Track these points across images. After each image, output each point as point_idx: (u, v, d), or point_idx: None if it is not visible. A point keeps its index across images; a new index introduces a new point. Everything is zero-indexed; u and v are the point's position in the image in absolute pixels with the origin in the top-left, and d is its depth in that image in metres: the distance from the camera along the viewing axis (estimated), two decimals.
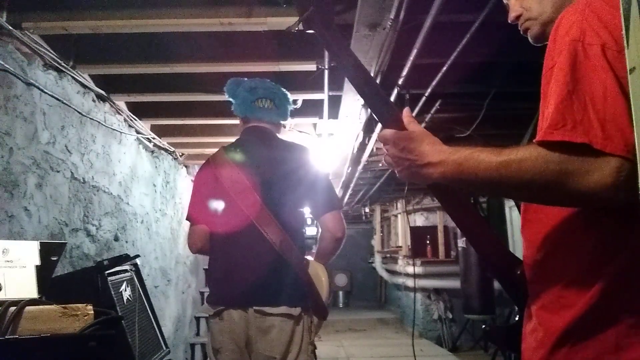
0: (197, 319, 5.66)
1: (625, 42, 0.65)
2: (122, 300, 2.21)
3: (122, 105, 3.45)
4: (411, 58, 2.54)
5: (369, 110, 3.30)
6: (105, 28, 2.33)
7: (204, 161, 2.21)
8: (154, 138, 4.04)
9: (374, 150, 4.33)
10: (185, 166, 5.25)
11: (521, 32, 1.08)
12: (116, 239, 3.39)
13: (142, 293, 2.49)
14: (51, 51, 2.57)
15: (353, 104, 3.19)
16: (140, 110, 3.67)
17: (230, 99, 2.14)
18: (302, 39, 2.62)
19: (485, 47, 2.62)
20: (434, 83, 2.91)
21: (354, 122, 3.56)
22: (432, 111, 3.43)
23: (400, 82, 2.82)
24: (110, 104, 3.28)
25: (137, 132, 3.75)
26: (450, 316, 7.74)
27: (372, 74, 2.54)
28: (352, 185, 6.35)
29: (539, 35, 1.03)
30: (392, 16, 2.06)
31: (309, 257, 2.02)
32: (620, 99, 0.76)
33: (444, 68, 2.70)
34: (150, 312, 2.53)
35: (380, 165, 5.29)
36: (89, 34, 2.53)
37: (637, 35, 0.63)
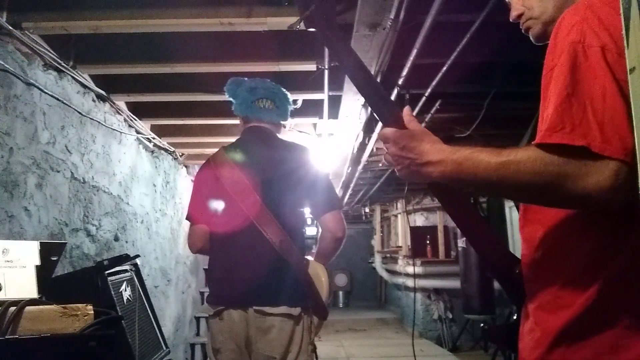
0: (197, 319, 5.66)
1: (625, 42, 0.65)
2: (122, 300, 2.21)
3: (122, 105, 3.45)
4: (411, 58, 2.54)
5: (369, 110, 3.30)
6: (105, 28, 2.33)
7: (204, 161, 2.21)
8: (154, 138, 4.05)
9: (374, 150, 4.34)
10: (185, 166, 5.25)
11: (523, 31, 1.08)
12: (116, 239, 3.39)
13: (142, 293, 2.49)
14: (51, 51, 2.57)
15: (353, 104, 3.19)
16: (140, 110, 3.67)
17: (231, 99, 2.14)
18: (302, 39, 2.63)
19: (485, 47, 2.62)
20: (434, 83, 2.92)
21: (354, 122, 3.56)
22: (432, 111, 3.43)
23: (400, 82, 2.82)
24: (110, 104, 3.28)
25: (137, 132, 3.75)
26: (450, 316, 7.74)
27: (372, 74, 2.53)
28: (352, 185, 6.35)
29: (541, 35, 1.03)
30: (392, 16, 2.06)
31: (309, 257, 2.02)
32: (620, 101, 0.76)
33: (444, 68, 2.70)
34: (150, 312, 2.53)
35: (380, 165, 5.29)
36: (89, 34, 2.53)
37: (637, 35, 0.63)
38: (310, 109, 3.46)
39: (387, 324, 9.58)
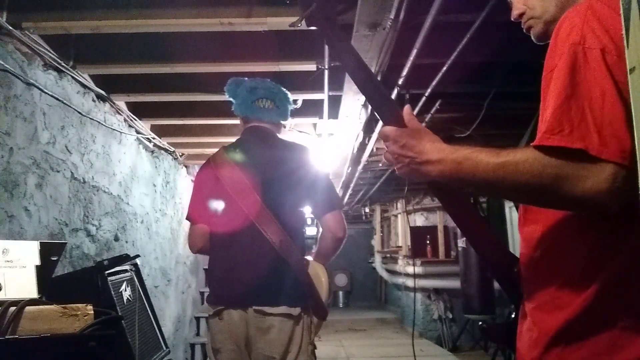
0: (197, 319, 5.66)
1: (625, 42, 0.65)
2: (122, 300, 2.21)
3: (122, 105, 3.45)
4: (411, 58, 2.54)
5: (369, 109, 3.30)
6: (105, 28, 2.33)
7: (204, 161, 2.21)
8: (154, 138, 4.05)
9: (374, 150, 4.33)
10: (185, 166, 5.25)
11: (524, 30, 1.08)
12: (116, 239, 3.39)
13: (142, 293, 2.49)
14: (51, 51, 2.57)
15: (353, 104, 3.19)
16: (140, 110, 3.67)
17: (231, 99, 2.14)
18: (302, 39, 2.63)
19: (485, 47, 2.62)
20: (434, 83, 2.92)
21: (354, 122, 3.56)
22: (432, 111, 3.43)
23: (400, 82, 2.82)
24: (110, 104, 3.28)
25: (137, 132, 3.75)
26: (450, 316, 7.74)
27: None
28: (352, 185, 6.34)
29: (542, 34, 1.03)
30: (392, 16, 2.06)
31: (309, 257, 2.02)
32: (618, 104, 0.76)
33: (444, 68, 2.70)
34: (150, 312, 2.53)
35: (380, 165, 5.29)
36: (89, 34, 2.53)
37: (637, 35, 0.63)
38: (310, 109, 3.46)
39: (387, 324, 9.58)
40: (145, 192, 3.99)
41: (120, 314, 2.06)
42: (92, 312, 1.29)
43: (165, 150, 4.47)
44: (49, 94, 2.57)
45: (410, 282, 8.25)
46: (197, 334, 5.64)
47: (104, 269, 2.13)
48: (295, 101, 2.53)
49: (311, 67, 2.72)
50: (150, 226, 4.13)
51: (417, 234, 8.60)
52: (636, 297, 0.83)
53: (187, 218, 2.08)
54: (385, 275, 10.36)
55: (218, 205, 1.98)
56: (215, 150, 2.19)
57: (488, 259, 1.13)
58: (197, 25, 2.31)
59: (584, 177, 0.76)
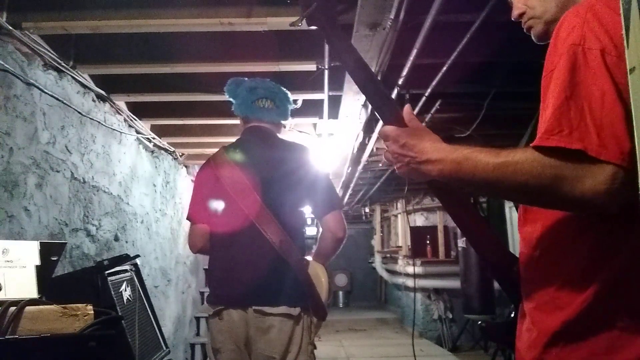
0: (197, 319, 5.66)
1: (625, 42, 0.65)
2: (122, 300, 2.22)
3: (122, 105, 3.45)
4: (411, 58, 2.54)
5: (369, 109, 3.30)
6: (105, 28, 2.33)
7: (204, 161, 2.21)
8: (154, 138, 4.05)
9: (374, 150, 4.33)
10: (185, 166, 5.25)
11: (524, 30, 1.08)
12: (116, 239, 3.39)
13: (142, 293, 2.49)
14: (51, 51, 2.57)
15: (353, 104, 3.19)
16: (140, 110, 3.67)
17: (231, 99, 2.14)
18: (302, 39, 2.63)
19: (485, 47, 2.62)
20: (434, 83, 2.92)
21: (354, 122, 3.56)
22: (432, 111, 3.43)
23: (400, 82, 2.82)
24: (110, 104, 3.28)
25: (137, 132, 3.75)
26: (450, 316, 7.74)
27: None
28: (352, 185, 6.34)
29: (542, 34, 1.03)
30: (392, 16, 2.06)
31: (309, 257, 2.02)
32: (618, 105, 0.76)
33: (444, 68, 2.70)
34: (150, 312, 2.53)
35: (380, 165, 5.29)
36: (89, 34, 2.53)
37: (637, 35, 0.63)
38: (310, 109, 3.46)
39: (387, 324, 9.58)
40: (145, 192, 3.99)
41: (120, 314, 2.06)
42: (92, 312, 1.29)
43: (165, 150, 4.47)
44: (49, 94, 2.57)
45: (410, 282, 8.25)
46: (197, 334, 5.64)
47: (104, 269, 2.13)
48: (295, 101, 2.53)
49: (311, 67, 2.72)
50: (150, 226, 4.13)
51: (417, 234, 8.60)
52: (636, 297, 0.83)
53: (188, 218, 2.08)
54: (385, 275, 10.36)
55: (218, 205, 1.98)
56: (215, 150, 2.19)
57: (488, 259, 1.13)
58: (197, 25, 2.31)
59: (582, 178, 0.77)
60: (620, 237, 0.84)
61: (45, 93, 2.54)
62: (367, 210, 10.85)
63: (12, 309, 1.22)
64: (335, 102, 3.24)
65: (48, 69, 2.59)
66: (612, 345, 0.83)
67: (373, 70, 2.55)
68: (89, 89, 3.00)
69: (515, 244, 5.62)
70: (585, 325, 0.85)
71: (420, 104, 3.20)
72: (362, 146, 4.32)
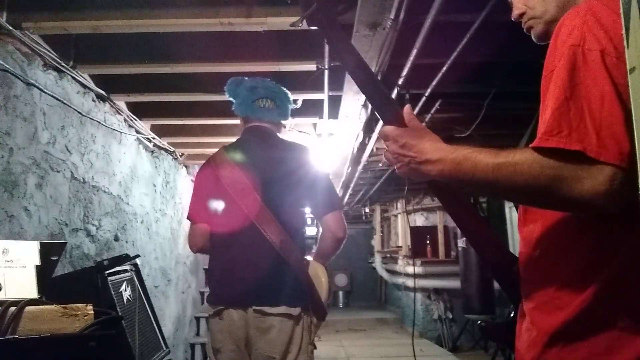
0: (197, 319, 5.66)
1: (625, 42, 0.65)
2: (122, 300, 2.22)
3: (122, 105, 3.45)
4: (411, 58, 2.54)
5: (369, 109, 3.30)
6: (105, 28, 2.33)
7: (204, 161, 2.22)
8: (154, 138, 4.05)
9: (374, 150, 4.33)
10: (185, 166, 5.25)
11: (525, 31, 1.08)
12: (116, 239, 3.39)
13: (142, 293, 2.49)
14: (51, 51, 2.57)
15: (353, 104, 3.19)
16: (140, 110, 3.67)
17: (231, 99, 2.14)
18: (302, 39, 2.63)
19: (485, 47, 2.62)
20: (434, 83, 2.92)
21: (354, 122, 3.56)
22: (432, 111, 3.43)
23: (400, 82, 2.82)
24: (110, 104, 3.28)
25: (137, 132, 3.75)
26: (450, 316, 7.74)
27: None
28: (352, 185, 6.34)
29: (542, 34, 1.03)
30: (392, 16, 2.06)
31: (309, 257, 2.02)
32: (617, 106, 0.76)
33: (444, 68, 2.70)
34: (150, 312, 2.53)
35: (380, 165, 5.29)
36: (89, 34, 2.53)
37: (637, 35, 0.63)
38: (310, 109, 3.46)
39: (387, 324, 9.58)
40: (145, 192, 3.99)
41: (120, 314, 2.06)
42: (92, 312, 1.29)
43: (165, 150, 4.47)
44: (49, 94, 2.57)
45: (410, 282, 8.25)
46: (197, 334, 5.64)
47: (104, 269, 2.13)
48: (295, 101, 2.53)
49: (311, 67, 2.72)
50: (150, 226, 4.13)
51: (417, 234, 8.60)
52: (635, 297, 0.83)
53: (188, 217, 2.08)
54: (385, 275, 10.36)
55: (218, 205, 1.98)
56: (215, 150, 2.19)
57: (488, 259, 1.13)
58: (197, 25, 2.31)
59: (582, 179, 0.77)
60: (620, 237, 0.84)
61: (45, 93, 2.54)
62: (367, 210, 10.84)
63: (12, 309, 1.22)
64: (335, 102, 3.24)
65: (48, 69, 2.59)
66: (612, 345, 0.83)
67: (373, 70, 2.55)
68: (89, 89, 3.00)
69: (515, 244, 5.62)
70: (585, 325, 0.85)
71: (420, 104, 3.20)
72: (362, 146, 4.32)
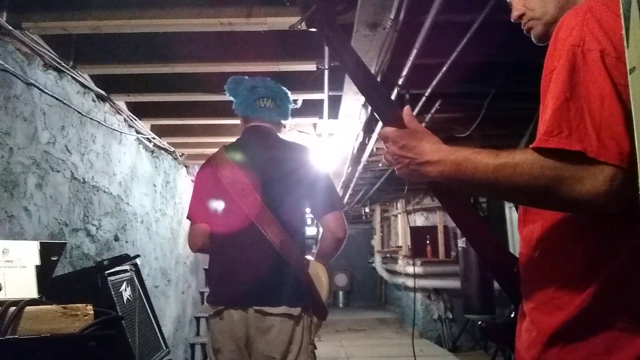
0: (197, 319, 5.66)
1: (625, 42, 0.65)
2: (122, 300, 2.21)
3: (122, 105, 3.45)
4: (411, 58, 2.54)
5: (369, 110, 3.30)
6: (105, 28, 2.33)
7: (204, 161, 2.21)
8: (154, 138, 4.05)
9: (374, 150, 4.34)
10: (185, 166, 5.25)
11: (524, 32, 1.08)
12: (116, 239, 3.39)
13: (142, 293, 2.49)
14: (51, 51, 2.57)
15: (353, 104, 3.19)
16: (140, 110, 3.67)
17: (231, 98, 2.14)
18: (302, 39, 2.63)
19: (485, 47, 2.62)
20: (434, 83, 2.92)
21: (354, 122, 3.56)
22: (432, 111, 3.43)
23: (400, 82, 2.82)
24: (110, 104, 3.28)
25: (137, 132, 3.75)
26: (450, 316, 7.74)
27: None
28: (352, 185, 6.35)
29: (542, 35, 1.03)
30: (392, 16, 2.06)
31: (309, 257, 2.02)
32: (617, 106, 0.77)
33: (444, 68, 2.70)
34: (150, 312, 2.53)
35: (380, 165, 5.29)
36: (89, 34, 2.53)
37: (637, 35, 0.63)
38: (310, 109, 3.46)
39: (387, 324, 9.58)
40: (145, 192, 3.99)
41: (120, 314, 2.06)
42: (92, 312, 1.29)
43: (165, 150, 4.47)
44: (49, 94, 2.57)
45: (410, 282, 8.25)
46: (197, 334, 5.65)
47: (104, 269, 2.13)
48: (295, 101, 2.53)
49: (311, 67, 2.72)
50: (150, 226, 4.13)
51: (417, 234, 8.60)
52: (635, 297, 0.83)
53: (188, 217, 2.08)
54: (385, 275, 10.36)
55: (218, 205, 1.98)
56: (215, 150, 2.19)
57: (488, 259, 1.13)
58: (197, 25, 2.31)
59: (582, 179, 0.77)
60: (620, 237, 0.84)
61: (45, 93, 2.54)
62: (367, 210, 10.84)
63: (12, 309, 1.22)
64: (335, 102, 3.24)
65: (48, 69, 2.59)
66: (612, 345, 0.83)
67: (373, 70, 2.55)
68: (89, 89, 3.00)
69: (515, 244, 5.62)
70: (585, 326, 0.85)
71: (420, 104, 3.20)
72: (362, 146, 4.32)
